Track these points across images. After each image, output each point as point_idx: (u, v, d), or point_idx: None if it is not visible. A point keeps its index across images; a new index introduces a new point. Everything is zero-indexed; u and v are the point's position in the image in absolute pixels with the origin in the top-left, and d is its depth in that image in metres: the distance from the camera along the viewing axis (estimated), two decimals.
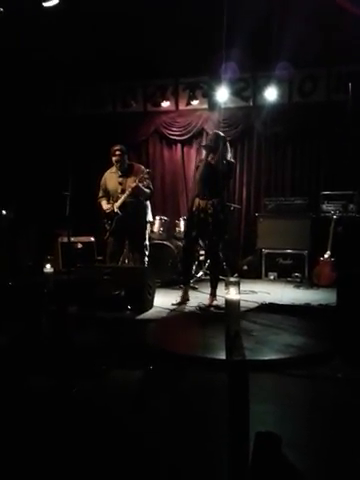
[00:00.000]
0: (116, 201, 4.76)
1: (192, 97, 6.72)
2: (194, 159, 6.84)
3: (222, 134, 4.59)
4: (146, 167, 5.15)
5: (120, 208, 4.71)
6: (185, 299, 4.60)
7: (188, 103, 6.82)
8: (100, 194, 4.97)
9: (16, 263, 5.70)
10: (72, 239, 5.77)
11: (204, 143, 4.60)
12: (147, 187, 4.78)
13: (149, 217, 5.13)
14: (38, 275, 4.34)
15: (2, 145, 6.65)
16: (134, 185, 4.62)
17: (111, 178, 4.89)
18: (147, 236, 5.05)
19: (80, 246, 6.32)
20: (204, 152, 4.48)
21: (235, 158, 6.85)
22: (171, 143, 7.07)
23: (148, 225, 5.26)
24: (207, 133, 6.84)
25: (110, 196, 4.87)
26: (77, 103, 7.12)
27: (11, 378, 2.73)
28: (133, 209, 4.76)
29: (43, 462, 1.90)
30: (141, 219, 4.92)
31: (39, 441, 2.07)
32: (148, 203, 5.06)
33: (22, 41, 5.59)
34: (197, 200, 4.45)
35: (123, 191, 4.73)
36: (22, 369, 2.82)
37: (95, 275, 4.43)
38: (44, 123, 6.98)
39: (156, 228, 5.82)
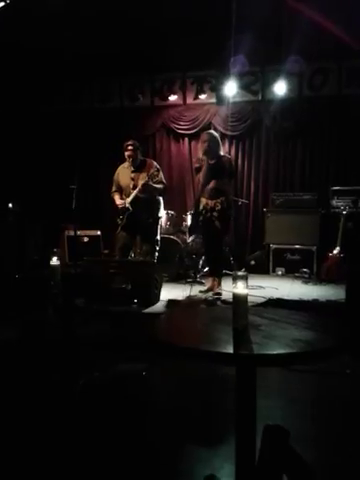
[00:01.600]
0: (128, 196, 4.76)
1: (200, 91, 6.67)
2: None
3: (214, 133, 4.71)
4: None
5: (131, 204, 4.70)
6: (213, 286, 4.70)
7: (196, 97, 6.77)
8: (113, 188, 4.98)
9: (23, 256, 5.72)
10: (78, 232, 5.77)
11: (201, 153, 4.60)
12: (160, 182, 4.76)
13: (161, 212, 5.10)
14: (45, 268, 4.35)
15: (9, 139, 6.66)
16: (143, 182, 4.61)
17: (124, 173, 4.90)
18: (159, 231, 5.03)
19: (86, 239, 6.32)
20: (204, 156, 4.49)
21: (243, 153, 6.84)
22: (178, 137, 7.03)
23: (160, 220, 5.22)
24: (215, 128, 6.80)
25: (122, 191, 4.87)
26: (84, 97, 7.11)
27: (21, 372, 2.73)
28: (145, 205, 4.75)
29: (47, 453, 1.90)
30: (153, 214, 4.90)
31: (44, 433, 2.07)
32: (161, 198, 5.04)
33: (29, 35, 5.58)
34: (204, 200, 4.52)
35: (135, 187, 4.73)
36: (31, 363, 2.82)
37: (101, 268, 4.42)
38: (51, 117, 6.98)
39: (163, 222, 5.79)
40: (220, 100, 6.61)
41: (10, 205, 5.98)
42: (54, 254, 3.73)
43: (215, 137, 4.58)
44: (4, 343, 3.14)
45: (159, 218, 5.03)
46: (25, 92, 6.69)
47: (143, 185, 4.62)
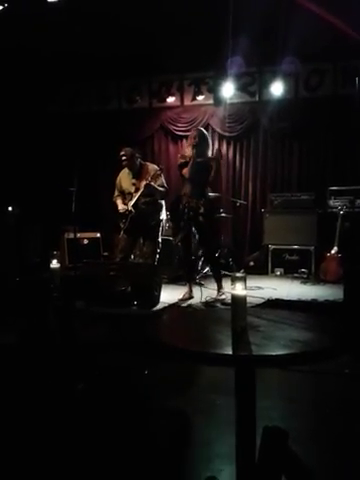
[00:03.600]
0: (130, 200, 4.78)
1: (197, 92, 6.70)
2: None
3: (203, 130, 4.67)
4: (153, 163, 5.14)
5: (134, 207, 4.72)
6: (190, 296, 4.60)
7: (193, 98, 6.79)
8: (115, 193, 4.99)
9: (23, 259, 5.73)
10: (78, 235, 5.78)
11: (190, 142, 4.55)
12: (161, 186, 4.77)
13: (163, 215, 5.11)
14: (45, 271, 4.37)
15: (8, 142, 6.67)
16: (145, 183, 4.62)
17: (125, 178, 4.92)
18: (160, 233, 5.03)
19: (86, 242, 6.34)
20: (193, 151, 4.42)
21: (241, 153, 6.86)
22: (176, 139, 7.05)
23: (162, 223, 5.22)
24: (212, 129, 6.83)
25: (125, 195, 4.89)
26: (82, 100, 7.12)
27: (21, 375, 2.74)
28: (148, 208, 4.76)
29: (45, 458, 1.91)
30: (156, 217, 4.91)
31: (44, 436, 2.08)
32: (163, 202, 5.05)
33: (27, 38, 5.59)
34: (185, 198, 4.43)
35: (137, 190, 4.75)
36: (31, 366, 2.83)
37: (101, 271, 4.43)
38: (50, 120, 6.99)
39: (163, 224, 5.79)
40: (218, 101, 6.64)
41: (10, 208, 5.99)
42: (54, 257, 3.76)
43: (204, 134, 4.53)
44: (4, 346, 3.15)
45: (161, 220, 5.04)
46: (23, 95, 6.70)
47: (145, 185, 4.62)
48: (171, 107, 6.92)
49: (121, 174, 4.99)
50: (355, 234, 5.28)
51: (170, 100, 6.79)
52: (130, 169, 4.82)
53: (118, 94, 7.08)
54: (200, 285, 5.28)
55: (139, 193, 4.69)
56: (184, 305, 4.42)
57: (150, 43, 5.93)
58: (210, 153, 4.61)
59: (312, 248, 5.81)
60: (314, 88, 6.30)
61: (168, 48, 5.88)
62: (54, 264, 3.69)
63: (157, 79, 6.88)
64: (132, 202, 4.74)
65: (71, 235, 5.94)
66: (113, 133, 6.82)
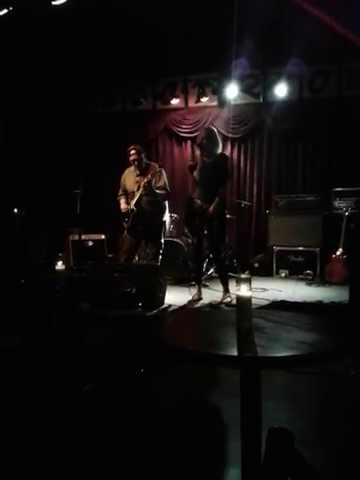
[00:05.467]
0: (133, 199, 4.79)
1: (201, 94, 6.72)
2: None
3: (212, 129, 4.52)
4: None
5: (136, 205, 4.73)
6: (199, 297, 4.61)
7: (197, 100, 6.81)
8: (119, 192, 5.00)
9: (28, 261, 5.75)
10: (83, 237, 5.80)
11: (197, 141, 4.44)
12: (162, 188, 4.77)
13: (166, 216, 5.11)
14: (49, 273, 4.38)
15: (13, 145, 6.71)
16: (145, 181, 4.62)
17: (129, 177, 4.93)
18: (163, 234, 5.03)
19: (91, 244, 6.36)
20: (200, 151, 4.35)
21: (245, 155, 6.86)
22: (181, 140, 7.07)
23: (164, 224, 5.22)
24: (217, 130, 6.81)
25: (128, 194, 4.90)
26: (87, 102, 7.16)
27: (26, 377, 2.74)
28: (151, 207, 4.77)
29: (50, 459, 1.91)
30: (158, 217, 4.91)
31: (49, 438, 2.08)
32: (166, 203, 5.05)
33: (32, 41, 5.63)
34: (199, 201, 4.37)
35: (139, 189, 4.76)
36: (36, 369, 2.84)
37: (106, 273, 4.44)
38: (54, 122, 7.03)
39: (167, 225, 5.80)
40: (222, 103, 6.65)
41: (15, 210, 6.02)
42: (59, 258, 3.77)
43: (212, 132, 4.38)
44: (9, 349, 3.16)
45: (164, 221, 5.04)
46: (28, 98, 6.74)
47: (145, 184, 4.62)
48: (175, 109, 6.94)
49: (125, 173, 5.00)
50: None
51: (174, 102, 6.81)
52: (137, 165, 4.82)
53: (122, 96, 7.11)
54: (204, 286, 5.28)
55: (139, 192, 4.70)
56: (192, 307, 4.41)
57: (154, 45, 5.94)
58: (220, 150, 4.42)
59: (317, 249, 5.80)
60: (318, 90, 6.29)
61: (172, 50, 5.90)
62: (59, 266, 3.70)
63: (161, 81, 6.90)
64: (134, 201, 4.75)
65: (76, 237, 5.97)
66: (117, 135, 6.84)
